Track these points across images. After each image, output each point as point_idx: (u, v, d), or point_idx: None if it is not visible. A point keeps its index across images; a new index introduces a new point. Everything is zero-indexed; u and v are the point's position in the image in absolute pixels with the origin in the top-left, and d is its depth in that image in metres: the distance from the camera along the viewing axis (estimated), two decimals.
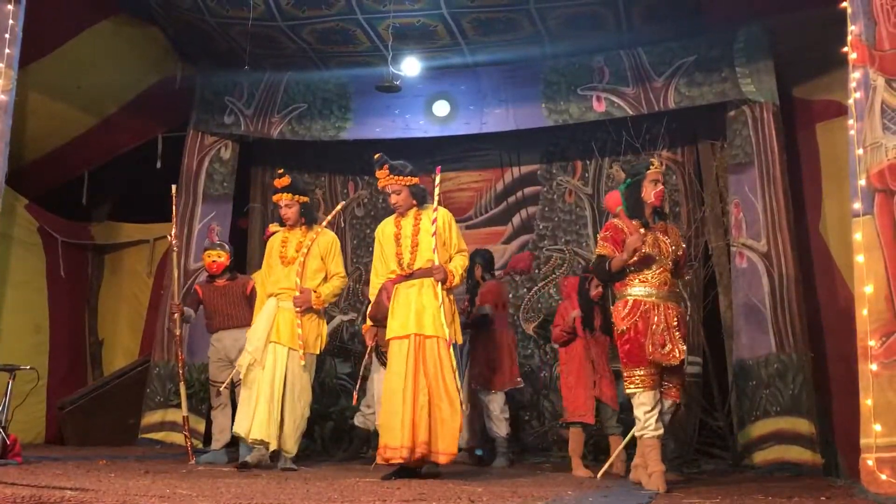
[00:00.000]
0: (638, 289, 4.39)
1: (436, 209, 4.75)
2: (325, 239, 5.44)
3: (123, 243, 8.29)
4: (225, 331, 6.01)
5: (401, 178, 4.78)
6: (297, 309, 5.20)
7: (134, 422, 7.08)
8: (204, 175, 7.60)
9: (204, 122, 7.68)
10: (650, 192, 4.47)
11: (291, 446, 5.15)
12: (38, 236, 7.48)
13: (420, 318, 4.60)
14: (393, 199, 4.83)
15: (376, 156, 4.87)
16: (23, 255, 7.24)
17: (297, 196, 5.40)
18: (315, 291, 5.27)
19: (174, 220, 6.04)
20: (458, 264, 4.75)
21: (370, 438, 6.29)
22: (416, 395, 4.48)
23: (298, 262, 5.27)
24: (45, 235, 7.53)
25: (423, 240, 4.73)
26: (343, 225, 8.14)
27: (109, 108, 7.47)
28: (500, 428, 6.07)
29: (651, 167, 4.53)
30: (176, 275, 6.09)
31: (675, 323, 4.32)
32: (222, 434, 5.98)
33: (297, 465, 5.22)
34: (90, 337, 8.10)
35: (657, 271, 4.38)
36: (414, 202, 4.83)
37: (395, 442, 4.41)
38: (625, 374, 4.39)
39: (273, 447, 5.07)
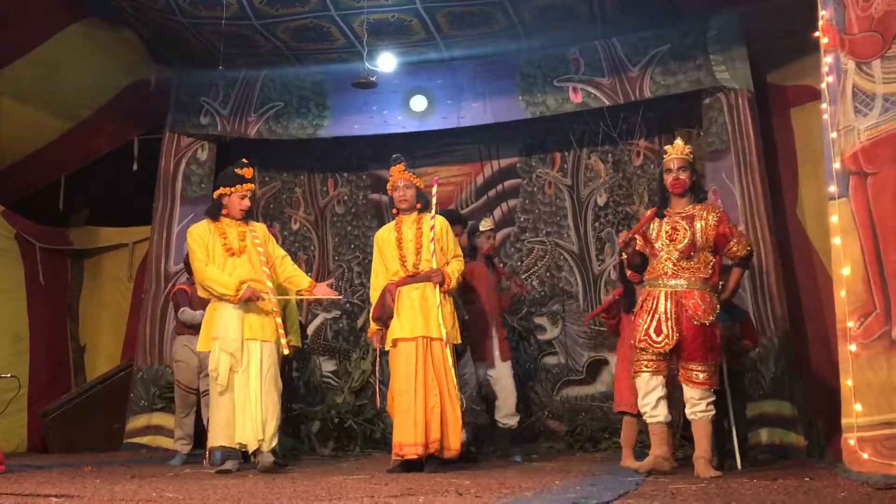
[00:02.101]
0: (648, 278, 4.55)
1: (433, 216, 5.05)
2: (261, 227, 5.36)
3: (103, 248, 8.21)
4: None
5: (413, 176, 5.16)
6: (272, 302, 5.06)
7: (119, 427, 7.03)
8: (181, 177, 7.54)
9: (180, 124, 7.62)
10: (668, 181, 4.57)
11: (274, 439, 4.96)
12: (15, 243, 7.40)
13: (427, 321, 4.86)
14: (402, 192, 5.11)
15: (395, 155, 5.23)
16: (0, 263, 7.16)
17: (255, 187, 5.35)
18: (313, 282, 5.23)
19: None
20: (455, 268, 5.06)
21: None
22: (426, 395, 4.76)
23: (257, 252, 5.07)
24: (22, 242, 7.45)
25: (425, 242, 4.99)
26: (324, 223, 8.11)
27: (84, 112, 7.39)
28: None
29: (665, 155, 4.61)
30: None
31: (674, 309, 4.35)
32: (189, 437, 5.97)
33: (283, 461, 5.14)
34: (72, 343, 8.02)
35: (663, 259, 4.46)
36: (418, 204, 5.13)
37: (409, 439, 4.70)
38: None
39: (253, 447, 4.85)
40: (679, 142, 4.62)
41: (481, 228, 6.28)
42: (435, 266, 4.91)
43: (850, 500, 2.80)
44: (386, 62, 6.95)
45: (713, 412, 4.40)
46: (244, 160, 5.33)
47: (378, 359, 5.50)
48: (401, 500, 2.87)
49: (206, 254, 5.04)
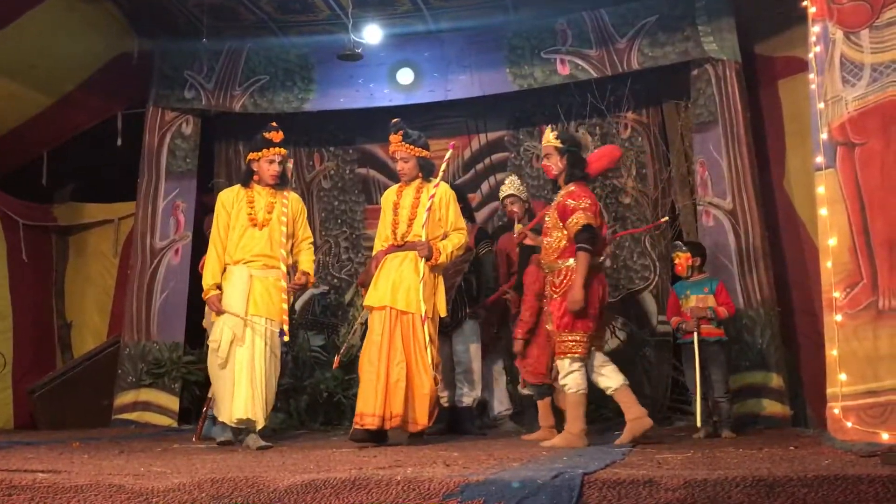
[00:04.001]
0: None
1: (437, 185, 4.86)
2: (297, 200, 5.24)
3: (88, 224, 8.13)
4: None
5: (412, 147, 4.93)
6: (295, 288, 5.08)
7: (107, 403, 7.02)
8: (166, 152, 7.44)
9: (164, 98, 7.52)
10: None
11: (265, 420, 4.95)
12: None
13: (395, 292, 4.71)
14: (400, 165, 4.98)
15: (394, 120, 5.02)
16: None
17: (286, 153, 5.19)
18: (307, 272, 5.11)
19: None
20: (451, 242, 4.87)
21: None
22: (388, 367, 4.63)
23: (280, 228, 4.98)
24: (4, 219, 7.36)
25: (419, 213, 4.82)
26: (310, 197, 8.05)
27: (66, 86, 7.28)
28: None
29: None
30: None
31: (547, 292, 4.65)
32: None
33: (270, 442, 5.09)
34: (58, 320, 7.97)
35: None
36: (419, 174, 4.96)
37: (368, 409, 4.60)
38: None
39: (260, 425, 4.80)
40: (547, 131, 4.79)
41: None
42: (425, 238, 4.77)
43: (834, 467, 2.82)
44: (372, 34, 6.87)
45: (567, 386, 4.50)
46: (273, 123, 5.17)
47: (362, 324, 5.43)
48: (389, 472, 2.88)
49: (225, 225, 5.01)
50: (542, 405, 5.34)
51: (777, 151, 6.39)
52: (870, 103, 3.70)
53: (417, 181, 4.96)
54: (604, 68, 6.82)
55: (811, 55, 4.03)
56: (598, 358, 4.60)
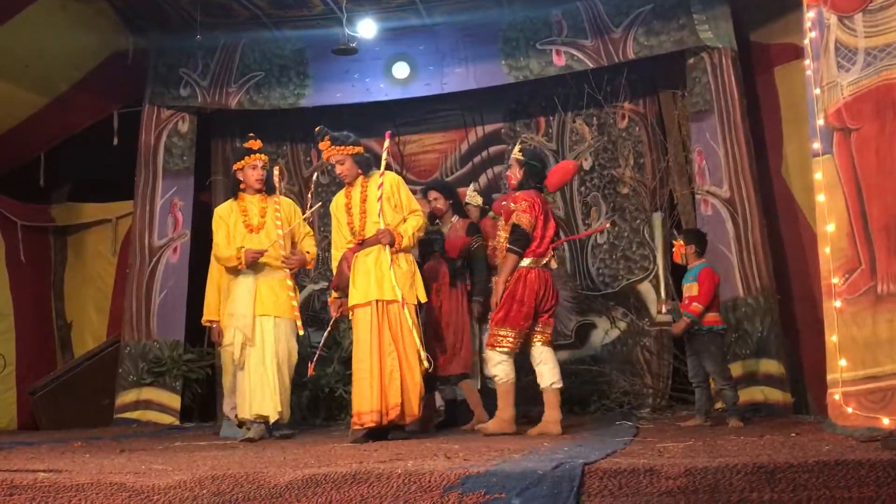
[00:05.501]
0: None
1: (382, 174, 4.86)
2: (288, 202, 5.43)
3: (86, 224, 8.13)
4: None
5: (343, 148, 4.89)
6: (289, 269, 5.19)
7: (108, 402, 7.03)
8: (162, 150, 7.44)
9: (159, 96, 7.51)
10: None
11: (286, 411, 5.12)
12: None
13: (380, 284, 4.73)
14: (338, 169, 4.96)
15: (317, 129, 4.99)
16: None
17: (267, 159, 5.38)
18: (308, 252, 5.30)
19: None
20: (411, 224, 4.88)
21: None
22: (382, 360, 4.64)
23: (275, 227, 5.16)
24: (2, 220, 7.37)
25: (370, 206, 4.82)
26: (308, 193, 8.04)
27: (61, 86, 7.28)
28: None
29: None
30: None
31: None
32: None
33: (291, 431, 5.22)
34: (58, 320, 7.98)
35: None
36: (359, 171, 4.95)
37: (366, 407, 4.60)
38: None
39: (273, 419, 5.03)
40: (517, 145, 5.08)
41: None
42: (383, 226, 4.75)
43: (835, 453, 2.82)
44: (366, 28, 6.85)
45: (497, 377, 4.69)
46: (250, 134, 5.42)
47: (333, 327, 5.45)
48: (389, 465, 2.88)
49: (226, 235, 5.20)
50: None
51: (774, 139, 6.39)
52: (864, 88, 3.69)
53: (360, 178, 4.94)
54: (599, 58, 6.81)
55: (806, 41, 4.02)
56: (538, 353, 4.74)
